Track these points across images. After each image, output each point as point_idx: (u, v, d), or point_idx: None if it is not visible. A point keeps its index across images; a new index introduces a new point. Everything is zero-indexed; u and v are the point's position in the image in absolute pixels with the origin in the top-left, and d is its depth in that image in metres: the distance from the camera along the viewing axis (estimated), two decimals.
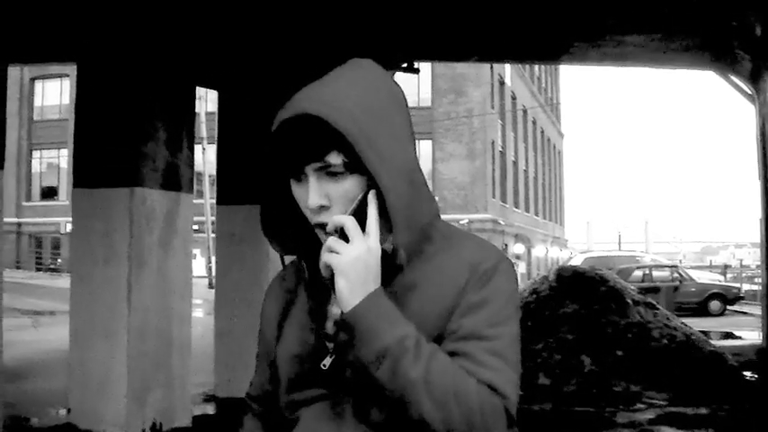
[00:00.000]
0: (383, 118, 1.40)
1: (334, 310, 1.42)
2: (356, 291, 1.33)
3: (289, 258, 1.61)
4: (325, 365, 1.41)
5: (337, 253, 1.34)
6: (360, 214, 1.37)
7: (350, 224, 1.35)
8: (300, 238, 1.52)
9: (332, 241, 1.35)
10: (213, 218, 20.53)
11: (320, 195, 1.39)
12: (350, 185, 1.39)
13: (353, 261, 1.33)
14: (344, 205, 1.39)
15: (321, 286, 1.44)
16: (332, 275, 1.36)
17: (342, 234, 1.36)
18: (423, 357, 1.31)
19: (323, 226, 1.40)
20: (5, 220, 6.94)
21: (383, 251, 1.39)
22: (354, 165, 1.38)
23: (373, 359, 1.32)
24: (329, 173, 1.39)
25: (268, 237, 1.53)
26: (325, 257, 1.36)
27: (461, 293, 1.39)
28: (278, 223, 1.53)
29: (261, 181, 1.51)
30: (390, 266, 1.39)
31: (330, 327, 1.44)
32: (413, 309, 1.38)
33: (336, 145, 1.36)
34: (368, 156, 1.35)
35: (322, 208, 1.40)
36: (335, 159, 1.38)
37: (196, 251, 29.71)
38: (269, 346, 1.58)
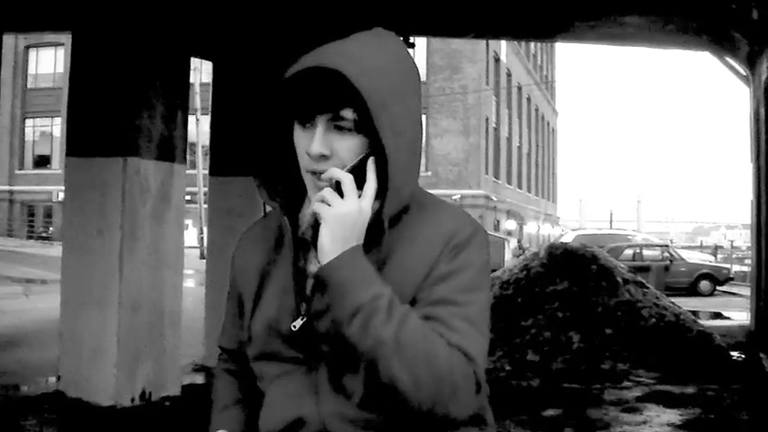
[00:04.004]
0: (399, 88, 1.41)
1: (313, 269, 1.44)
2: (337, 245, 1.35)
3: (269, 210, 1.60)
4: (295, 327, 1.43)
5: (329, 205, 1.35)
6: (356, 174, 1.38)
7: (347, 180, 1.36)
8: (288, 192, 1.52)
9: (327, 192, 1.36)
10: (205, 188, 20.48)
11: (324, 144, 1.39)
12: (354, 144, 1.40)
13: (342, 216, 1.35)
14: (344, 159, 1.40)
15: (303, 244, 1.47)
16: (313, 227, 1.39)
17: (337, 188, 1.37)
18: (395, 318, 1.32)
19: (317, 174, 1.41)
20: None
21: None
22: (363, 126, 1.39)
23: (346, 316, 1.33)
24: (338, 126, 1.40)
25: (258, 180, 1.52)
26: (316, 206, 1.37)
27: (435, 263, 1.41)
28: (269, 171, 1.53)
29: (262, 125, 1.50)
30: (372, 232, 1.41)
31: (308, 286, 1.46)
32: (388, 275, 1.39)
33: (350, 102, 1.37)
34: (380, 117, 1.36)
35: (322, 157, 1.40)
36: (348, 114, 1.39)
37: (188, 221, 29.67)
38: (246, 300, 1.57)
